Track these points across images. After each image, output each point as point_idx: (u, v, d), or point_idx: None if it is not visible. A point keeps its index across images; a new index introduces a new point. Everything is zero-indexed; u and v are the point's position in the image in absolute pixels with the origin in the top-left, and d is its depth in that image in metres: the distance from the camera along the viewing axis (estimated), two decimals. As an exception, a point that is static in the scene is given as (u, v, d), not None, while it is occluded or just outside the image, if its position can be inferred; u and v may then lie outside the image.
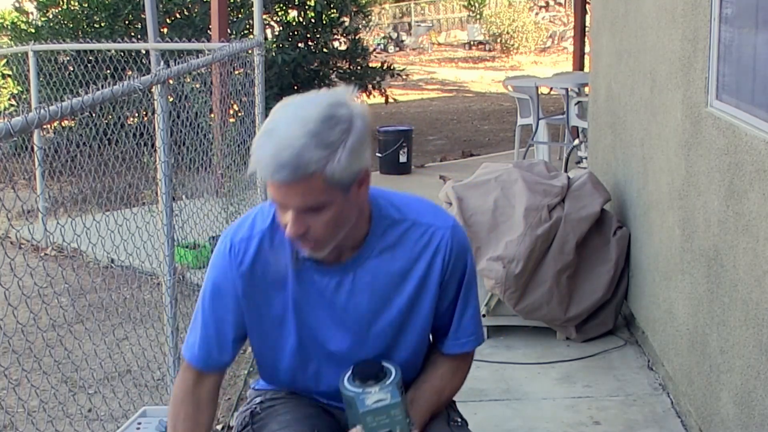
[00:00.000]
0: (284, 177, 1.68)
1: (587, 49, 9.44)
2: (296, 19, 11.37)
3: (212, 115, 6.06)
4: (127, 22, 10.90)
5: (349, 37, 11.61)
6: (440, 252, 1.93)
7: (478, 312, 2.08)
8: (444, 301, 1.99)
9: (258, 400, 2.14)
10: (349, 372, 1.93)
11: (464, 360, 2.11)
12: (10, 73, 10.10)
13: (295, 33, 11.16)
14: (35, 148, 6.63)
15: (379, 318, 1.95)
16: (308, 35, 11.18)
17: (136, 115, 8.44)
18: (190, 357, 2.01)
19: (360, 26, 12.64)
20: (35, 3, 11.35)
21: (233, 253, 1.93)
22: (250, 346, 2.07)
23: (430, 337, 2.09)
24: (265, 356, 2.05)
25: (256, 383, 2.23)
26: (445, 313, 2.02)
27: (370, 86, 11.46)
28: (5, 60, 9.86)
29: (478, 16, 24.51)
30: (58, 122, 5.26)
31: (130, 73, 7.16)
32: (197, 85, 5.91)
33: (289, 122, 1.70)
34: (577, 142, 7.69)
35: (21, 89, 9.73)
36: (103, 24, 10.90)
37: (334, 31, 11.41)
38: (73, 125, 8.96)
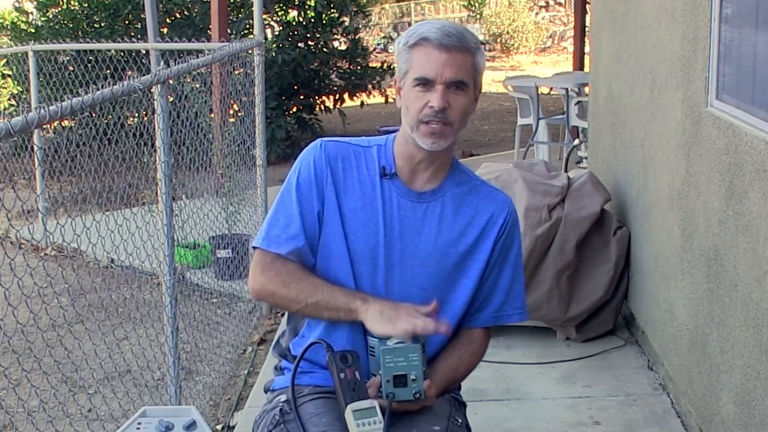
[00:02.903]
0: (452, 42, 1.96)
1: (587, 49, 9.44)
2: (296, 19, 11.37)
3: (212, 115, 6.05)
4: (127, 22, 10.91)
5: (349, 37, 11.60)
6: (499, 218, 2.12)
7: (524, 291, 2.20)
8: (491, 269, 2.12)
9: (283, 398, 2.10)
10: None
11: (483, 343, 2.20)
12: (10, 73, 10.10)
13: (295, 33, 11.16)
14: (35, 148, 6.63)
15: (440, 254, 2.07)
16: (308, 35, 11.17)
17: (136, 115, 8.43)
18: (277, 247, 2.06)
19: (360, 26, 12.64)
20: (35, 3, 11.35)
21: (323, 146, 2.10)
22: (318, 246, 2.08)
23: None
24: (326, 261, 2.07)
25: (272, 384, 2.21)
26: (488, 284, 2.13)
27: (370, 86, 11.45)
28: (5, 60, 9.87)
29: (478, 16, 24.47)
30: (58, 122, 5.26)
31: (130, 73, 7.15)
32: (197, 85, 5.89)
33: (439, 21, 2.03)
34: (577, 142, 7.69)
35: (21, 89, 9.73)
36: (103, 24, 10.91)
37: (334, 31, 11.40)
38: (73, 125, 8.95)
